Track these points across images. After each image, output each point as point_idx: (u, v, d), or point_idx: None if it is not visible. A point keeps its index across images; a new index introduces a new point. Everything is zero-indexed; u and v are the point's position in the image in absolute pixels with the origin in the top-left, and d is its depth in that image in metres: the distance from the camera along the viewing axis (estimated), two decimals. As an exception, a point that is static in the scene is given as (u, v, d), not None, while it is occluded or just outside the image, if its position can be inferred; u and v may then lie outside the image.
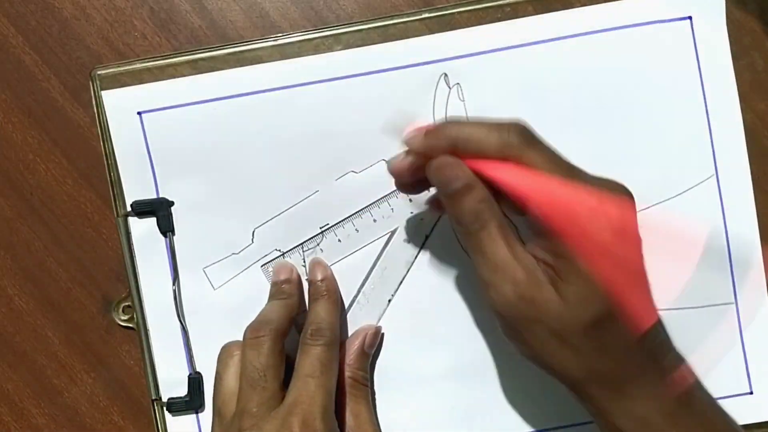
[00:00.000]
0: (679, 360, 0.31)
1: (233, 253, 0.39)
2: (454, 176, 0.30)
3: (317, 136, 0.38)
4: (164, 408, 0.39)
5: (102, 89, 0.38)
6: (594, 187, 0.29)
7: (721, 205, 0.39)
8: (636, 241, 0.29)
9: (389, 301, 0.39)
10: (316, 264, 0.38)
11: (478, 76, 0.38)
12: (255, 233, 0.39)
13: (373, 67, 0.38)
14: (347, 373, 0.36)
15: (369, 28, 0.38)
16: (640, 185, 0.34)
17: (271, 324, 0.35)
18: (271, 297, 0.38)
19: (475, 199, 0.30)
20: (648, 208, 0.38)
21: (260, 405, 0.33)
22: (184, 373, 0.39)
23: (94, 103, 0.38)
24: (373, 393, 0.38)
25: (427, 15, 0.38)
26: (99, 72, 0.38)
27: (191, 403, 0.38)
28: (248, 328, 0.35)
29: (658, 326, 0.31)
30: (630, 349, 0.30)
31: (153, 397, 0.39)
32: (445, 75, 0.38)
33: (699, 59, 0.38)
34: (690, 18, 0.38)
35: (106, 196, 0.39)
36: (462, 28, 0.38)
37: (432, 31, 0.38)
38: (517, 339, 0.31)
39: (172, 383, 0.39)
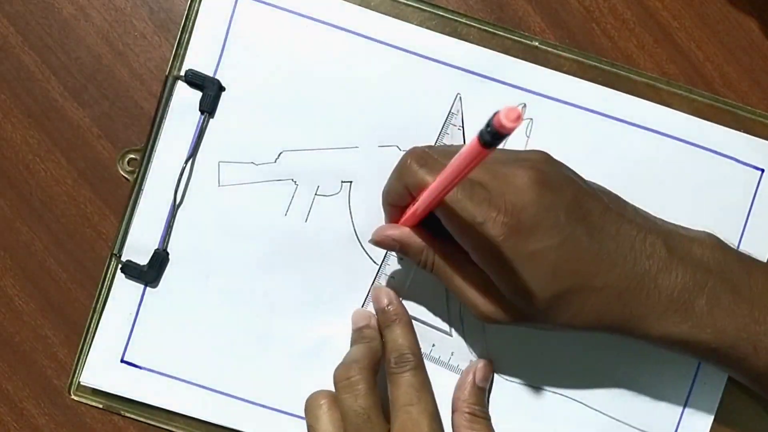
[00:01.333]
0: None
1: (253, 163, 0.38)
2: (390, 243, 0.34)
3: (385, 100, 0.38)
4: (119, 267, 0.38)
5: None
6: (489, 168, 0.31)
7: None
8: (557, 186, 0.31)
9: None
10: (379, 291, 0.38)
11: (552, 122, 0.38)
12: (281, 155, 0.38)
13: (467, 65, 0.38)
14: (465, 410, 0.36)
15: (475, 27, 0.38)
16: None
17: (359, 362, 0.34)
18: (354, 342, 0.37)
19: (414, 251, 0.34)
20: None
21: None
22: (154, 244, 0.38)
23: None
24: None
25: (537, 44, 0.38)
26: None
27: (146, 274, 0.38)
28: (337, 372, 0.34)
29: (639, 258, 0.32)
30: (606, 301, 0.32)
31: (114, 252, 0.38)
32: (524, 105, 0.38)
33: (751, 211, 0.39)
34: (762, 171, 0.39)
35: (106, 196, 0.39)
36: (555, 70, 0.38)
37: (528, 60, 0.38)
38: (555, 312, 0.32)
39: (138, 249, 0.38)
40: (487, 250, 0.30)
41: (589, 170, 0.35)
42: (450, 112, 0.38)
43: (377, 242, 0.34)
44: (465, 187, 0.30)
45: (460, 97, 0.38)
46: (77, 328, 0.39)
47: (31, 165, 0.39)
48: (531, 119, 0.38)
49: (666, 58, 0.40)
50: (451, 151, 0.31)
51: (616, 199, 0.34)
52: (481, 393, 0.37)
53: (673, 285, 0.31)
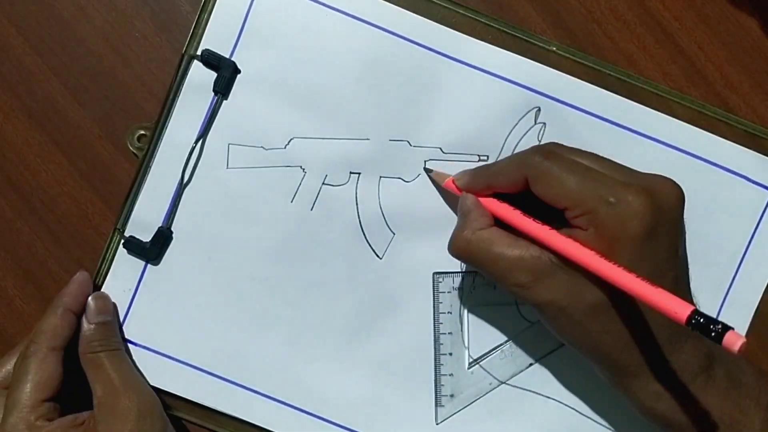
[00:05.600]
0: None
1: (263, 147, 0.38)
2: (462, 203, 0.34)
3: (402, 96, 0.38)
4: (121, 242, 0.38)
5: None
6: (618, 183, 0.30)
7: None
8: (665, 238, 0.30)
9: (530, 364, 0.39)
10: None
11: (565, 128, 0.38)
12: (291, 142, 0.38)
13: (486, 65, 0.38)
14: (80, 349, 0.36)
15: (494, 28, 0.38)
16: None
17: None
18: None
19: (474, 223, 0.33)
20: None
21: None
22: (158, 222, 0.38)
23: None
24: None
25: (554, 49, 0.38)
26: None
27: (148, 251, 0.38)
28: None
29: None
30: (639, 336, 0.31)
31: (117, 226, 0.38)
32: (538, 109, 0.38)
33: (757, 229, 0.39)
34: None
35: (107, 197, 0.39)
36: (571, 75, 0.38)
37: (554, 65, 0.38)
38: (549, 324, 0.32)
39: (142, 225, 0.38)
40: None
41: None
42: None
43: (464, 199, 0.34)
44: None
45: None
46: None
47: (32, 166, 0.39)
48: (544, 123, 0.38)
49: (667, 58, 0.40)
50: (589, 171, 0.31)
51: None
52: (101, 329, 0.36)
53: (687, 356, 0.31)
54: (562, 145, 0.34)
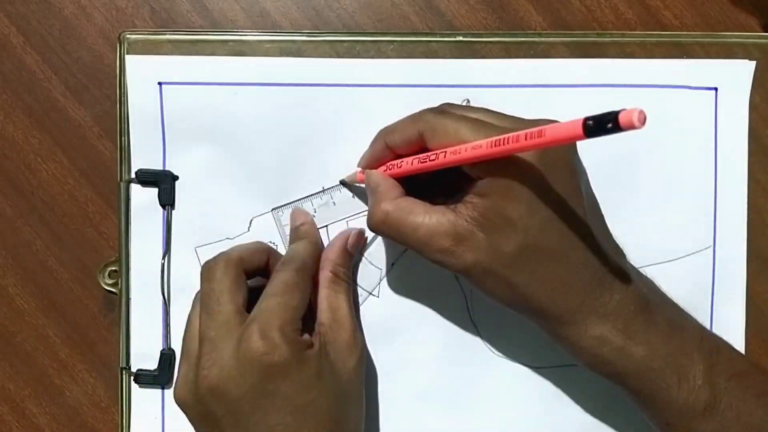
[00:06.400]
0: (637, 281, 0.32)
1: (227, 238, 0.38)
2: (368, 181, 0.34)
3: (330, 138, 0.38)
4: (132, 378, 0.38)
5: (128, 53, 0.38)
6: (507, 130, 0.30)
7: (712, 277, 0.39)
8: (560, 175, 0.30)
9: (393, 264, 0.39)
10: (297, 211, 0.38)
11: (499, 108, 0.38)
12: (252, 222, 0.38)
13: (398, 80, 0.38)
14: (328, 269, 0.36)
15: (385, 41, 0.38)
16: (638, 245, 0.37)
17: (224, 254, 0.35)
18: (291, 241, 0.38)
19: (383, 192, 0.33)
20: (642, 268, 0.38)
21: (217, 328, 0.32)
22: (158, 347, 0.38)
23: (117, 65, 0.38)
24: (355, 294, 0.38)
25: (458, 39, 0.38)
26: (128, 36, 0.38)
27: (159, 377, 0.38)
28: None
29: (607, 254, 0.31)
30: (565, 279, 0.31)
31: (122, 366, 0.38)
32: (468, 101, 0.38)
33: (717, 131, 0.38)
34: (716, 90, 0.38)
35: (108, 196, 0.39)
36: (488, 57, 0.38)
37: (455, 56, 0.38)
38: (479, 288, 0.32)
39: (144, 355, 0.38)
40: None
41: None
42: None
43: (366, 165, 0.35)
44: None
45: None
46: (78, 328, 0.39)
47: (33, 165, 0.39)
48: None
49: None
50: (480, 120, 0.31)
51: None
52: (348, 257, 0.37)
53: (620, 296, 0.31)
54: (453, 103, 0.34)
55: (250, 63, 0.38)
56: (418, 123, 0.32)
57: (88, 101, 0.39)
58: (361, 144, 0.36)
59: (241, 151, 0.38)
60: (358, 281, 0.39)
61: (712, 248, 0.39)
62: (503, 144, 0.28)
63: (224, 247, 0.37)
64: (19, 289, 0.40)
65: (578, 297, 0.31)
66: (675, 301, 0.34)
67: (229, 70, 0.38)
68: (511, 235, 0.30)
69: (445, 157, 0.30)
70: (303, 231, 0.37)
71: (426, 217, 0.31)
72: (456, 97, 0.38)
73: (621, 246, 0.33)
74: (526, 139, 0.27)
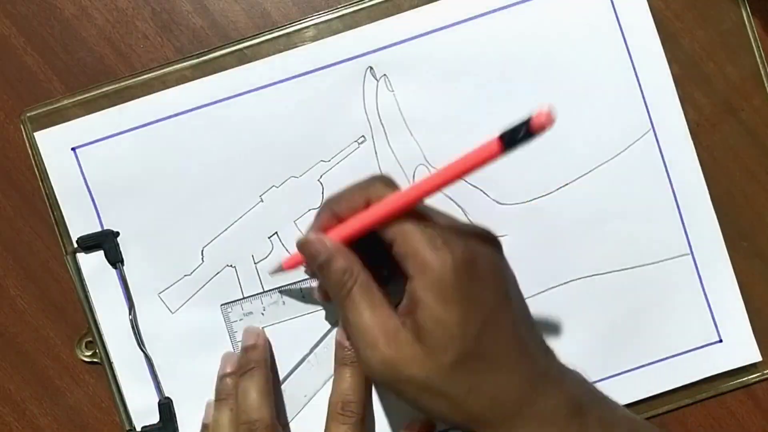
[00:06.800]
0: (572, 381, 0.32)
1: (185, 275, 0.38)
2: (315, 252, 0.31)
3: (252, 147, 0.38)
4: None
5: (33, 131, 0.38)
6: (445, 229, 0.30)
7: (661, 157, 0.39)
8: (490, 281, 0.30)
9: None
10: (248, 332, 0.38)
11: (403, 65, 0.38)
12: (204, 252, 0.39)
13: (297, 70, 0.38)
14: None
15: (282, 35, 0.38)
16: (580, 151, 0.38)
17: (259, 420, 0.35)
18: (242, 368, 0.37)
19: (336, 269, 0.31)
20: (592, 170, 0.38)
21: None
22: (154, 399, 0.39)
23: (27, 145, 0.38)
24: None
25: (343, 12, 0.38)
26: (28, 114, 0.38)
27: (164, 429, 0.38)
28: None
29: (538, 357, 0.31)
30: (503, 386, 0.30)
31: (127, 429, 0.39)
32: (371, 68, 0.38)
33: (625, 35, 0.38)
34: None
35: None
36: (380, 19, 0.38)
37: (348, 27, 0.38)
38: (395, 394, 0.31)
39: (143, 411, 0.39)
40: (435, 277, 0.29)
41: (469, 82, 0.38)
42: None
43: (306, 243, 0.32)
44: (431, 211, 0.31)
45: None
46: (79, 329, 0.39)
47: (33, 165, 0.39)
48: (385, 75, 0.38)
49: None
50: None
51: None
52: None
53: (554, 401, 0.31)
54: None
55: (152, 100, 0.38)
56: (366, 191, 0.32)
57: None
58: (283, 142, 0.38)
59: (171, 187, 0.38)
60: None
61: (651, 130, 0.39)
62: (433, 181, 0.29)
63: (186, 285, 0.38)
64: (20, 290, 0.40)
65: (514, 405, 0.30)
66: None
67: (130, 116, 0.38)
68: (449, 345, 0.29)
69: (384, 208, 0.30)
70: (254, 359, 0.37)
71: (370, 319, 0.31)
72: (358, 68, 0.38)
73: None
74: (453, 167, 0.28)
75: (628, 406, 0.39)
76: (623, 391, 0.38)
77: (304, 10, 0.39)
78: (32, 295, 0.40)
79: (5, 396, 0.40)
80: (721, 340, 0.39)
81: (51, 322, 0.40)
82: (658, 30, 0.39)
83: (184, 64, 0.38)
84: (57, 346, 0.40)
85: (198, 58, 0.38)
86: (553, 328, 0.39)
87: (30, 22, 0.39)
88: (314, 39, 0.38)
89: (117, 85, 0.38)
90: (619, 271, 0.39)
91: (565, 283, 0.39)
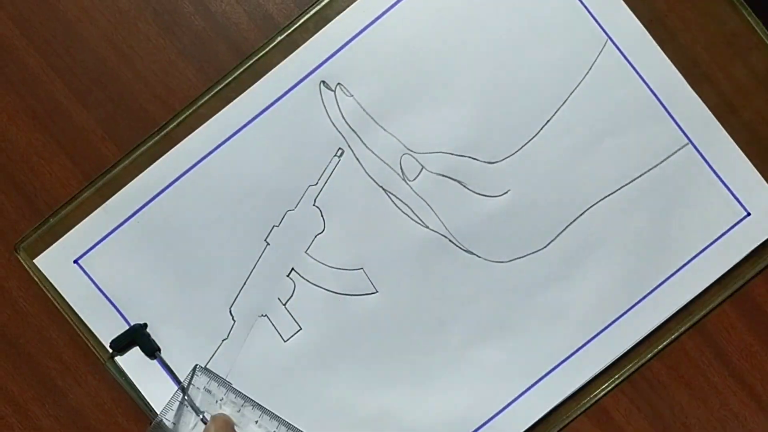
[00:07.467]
0: None
1: (223, 340, 0.39)
2: None
3: (241, 197, 0.39)
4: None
5: (32, 258, 0.38)
6: None
7: (629, 63, 0.38)
8: None
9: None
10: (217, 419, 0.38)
11: (351, 68, 0.38)
12: (232, 311, 0.39)
13: (254, 111, 0.38)
14: None
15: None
16: (549, 85, 0.38)
17: None
18: None
19: None
20: (567, 99, 0.38)
21: None
22: None
23: (32, 274, 0.38)
24: None
25: (278, 39, 0.39)
26: (22, 245, 0.39)
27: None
28: None
29: None
30: None
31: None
32: (323, 82, 0.39)
33: (599, 25, 0.38)
34: None
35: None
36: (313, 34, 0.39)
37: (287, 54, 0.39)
38: None
39: None
40: None
41: (420, 66, 0.38)
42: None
43: None
44: None
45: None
46: (82, 330, 0.39)
47: (36, 167, 0.40)
48: (338, 83, 0.39)
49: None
50: None
51: None
52: None
53: None
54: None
55: (132, 189, 0.39)
56: None
57: (91, 103, 0.39)
58: (270, 181, 0.38)
59: (180, 262, 0.39)
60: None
61: (611, 41, 0.38)
62: None
63: (225, 351, 0.39)
64: (23, 292, 0.40)
65: None
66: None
67: (117, 210, 0.39)
68: None
69: None
70: None
71: None
72: (312, 86, 0.38)
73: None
74: None
75: (680, 310, 0.39)
76: (672, 298, 0.38)
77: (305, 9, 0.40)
78: (34, 296, 0.40)
79: (8, 397, 0.40)
80: (749, 214, 0.39)
81: (53, 324, 0.40)
82: (658, 30, 0.39)
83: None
84: (59, 347, 0.40)
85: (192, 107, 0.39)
86: (588, 261, 0.39)
87: (32, 24, 0.39)
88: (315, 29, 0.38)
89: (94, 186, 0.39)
90: (628, 184, 0.39)
91: (580, 215, 0.39)
